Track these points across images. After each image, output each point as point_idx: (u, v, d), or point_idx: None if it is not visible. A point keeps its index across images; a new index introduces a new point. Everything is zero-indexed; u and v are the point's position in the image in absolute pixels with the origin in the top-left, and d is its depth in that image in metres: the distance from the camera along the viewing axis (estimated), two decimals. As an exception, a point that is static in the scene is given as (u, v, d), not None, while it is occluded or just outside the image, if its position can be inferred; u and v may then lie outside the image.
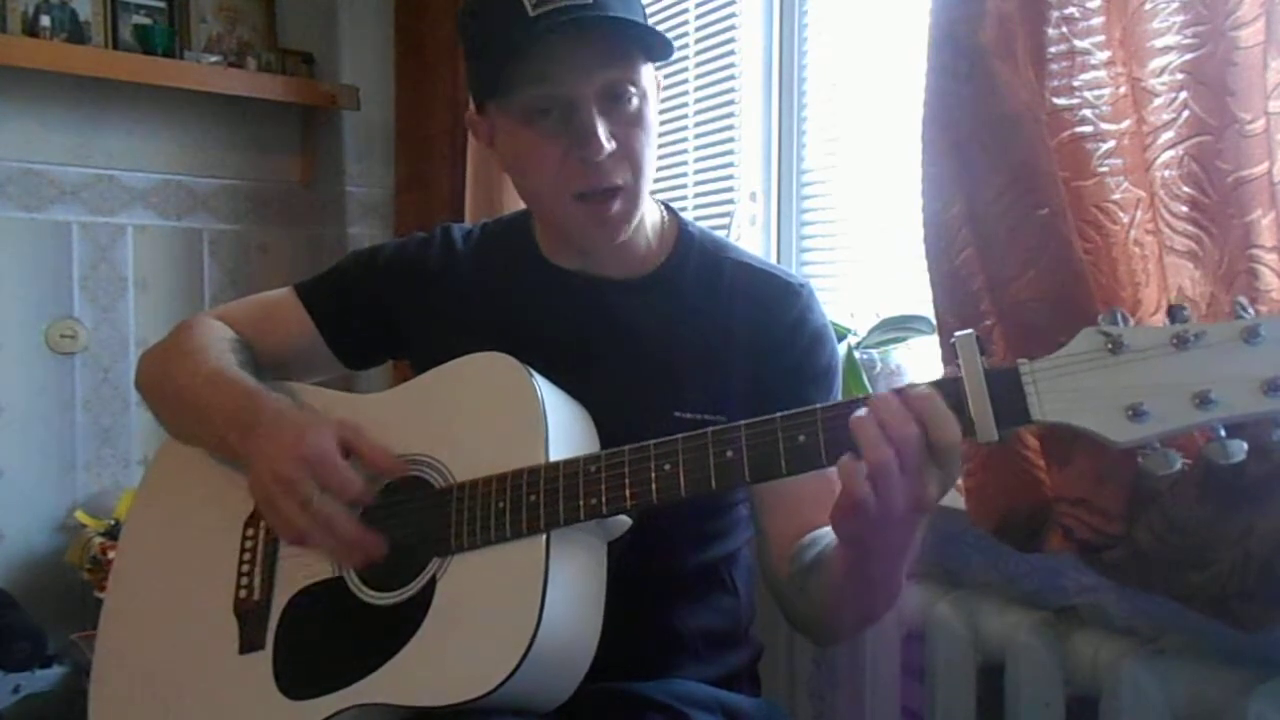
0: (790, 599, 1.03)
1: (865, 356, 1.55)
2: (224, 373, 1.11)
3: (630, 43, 1.01)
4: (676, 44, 1.90)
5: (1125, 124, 1.07)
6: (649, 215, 1.14)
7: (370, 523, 0.98)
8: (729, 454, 0.85)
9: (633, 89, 1.01)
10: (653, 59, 1.04)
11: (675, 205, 1.20)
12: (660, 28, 1.68)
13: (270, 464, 0.97)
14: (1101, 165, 1.08)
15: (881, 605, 0.96)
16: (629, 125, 1.02)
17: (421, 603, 0.93)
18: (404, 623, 0.92)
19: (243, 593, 1.04)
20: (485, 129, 1.10)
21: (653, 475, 0.88)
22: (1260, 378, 0.69)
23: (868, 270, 1.70)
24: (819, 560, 0.97)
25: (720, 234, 1.24)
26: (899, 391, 0.79)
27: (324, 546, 0.97)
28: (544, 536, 0.90)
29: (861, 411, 0.79)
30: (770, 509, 1.07)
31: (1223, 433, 0.71)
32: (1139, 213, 1.07)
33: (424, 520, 0.97)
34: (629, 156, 1.02)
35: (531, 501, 0.91)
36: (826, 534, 0.98)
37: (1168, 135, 1.02)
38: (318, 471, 0.95)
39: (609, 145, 0.99)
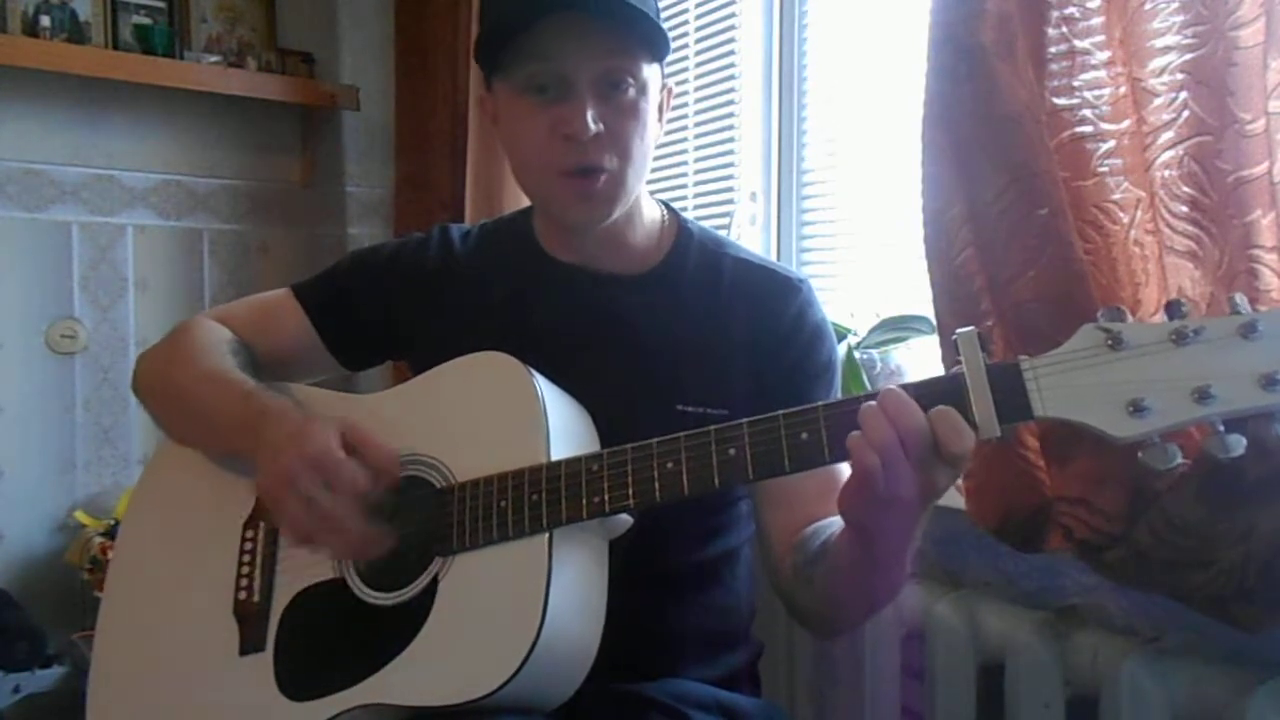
0: (793, 590, 1.04)
1: (865, 356, 1.55)
2: (225, 374, 1.11)
3: (633, 35, 1.02)
4: (676, 44, 1.91)
5: (1125, 124, 1.07)
6: (648, 213, 1.15)
7: (371, 524, 0.98)
8: (732, 452, 0.85)
9: (631, 80, 1.02)
10: (658, 59, 1.05)
11: (675, 205, 1.21)
12: (660, 28, 1.68)
13: (274, 464, 0.97)
14: (1101, 165, 1.08)
15: (885, 594, 0.96)
16: (622, 114, 1.03)
17: (424, 603, 0.93)
18: (406, 623, 0.92)
19: (242, 594, 1.04)
20: (491, 107, 1.12)
21: (655, 473, 0.88)
22: (1259, 372, 0.70)
23: (868, 270, 1.70)
24: (824, 549, 0.98)
25: (720, 233, 1.25)
26: (907, 388, 0.80)
27: (331, 544, 0.97)
28: (546, 536, 0.90)
29: (870, 404, 0.80)
30: (771, 504, 1.07)
31: (1222, 428, 0.71)
32: (1139, 213, 1.07)
33: (425, 520, 0.97)
34: (616, 144, 1.03)
35: (533, 501, 0.91)
36: (830, 524, 0.99)
37: (1168, 135, 1.02)
38: (322, 469, 0.95)
39: (594, 127, 1.01)
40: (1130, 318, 0.75)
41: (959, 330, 0.79)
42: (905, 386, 0.81)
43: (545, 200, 1.11)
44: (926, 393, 0.80)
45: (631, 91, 1.03)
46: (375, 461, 0.98)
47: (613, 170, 1.04)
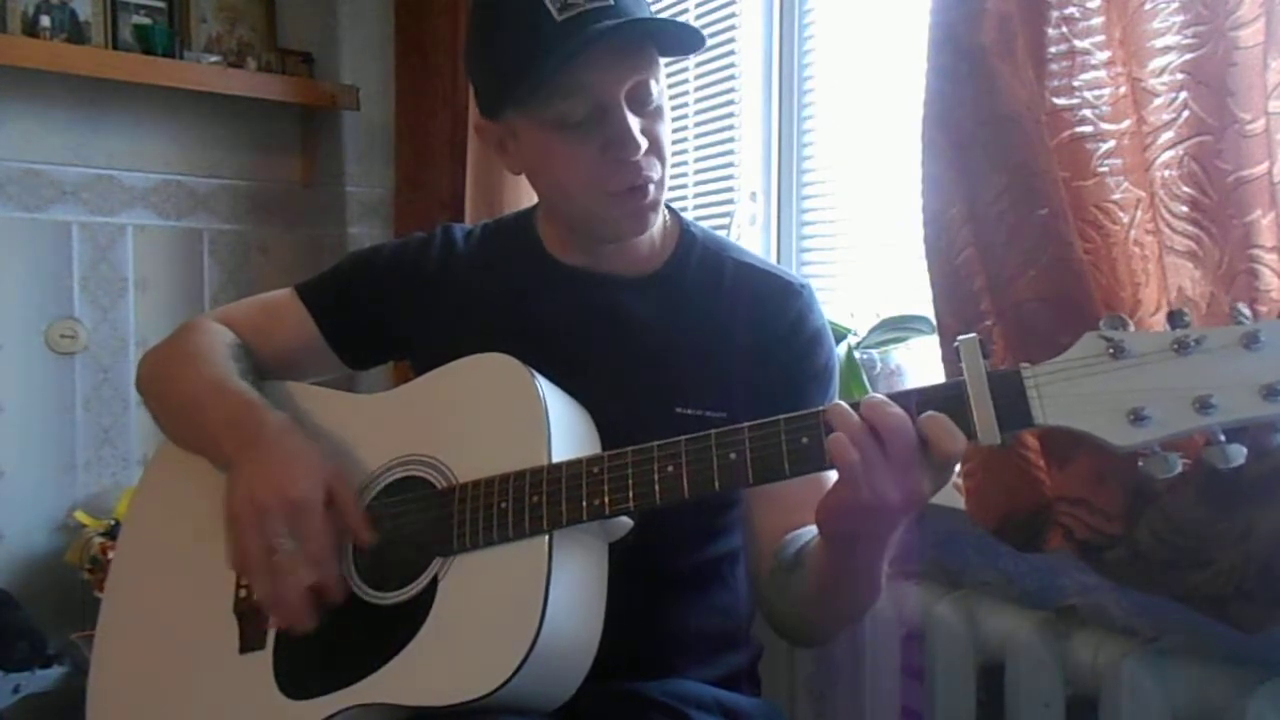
0: (770, 596, 1.04)
1: (865, 356, 1.55)
2: (225, 381, 1.10)
3: (650, 42, 1.02)
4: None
5: (1125, 124, 1.07)
6: (654, 215, 1.15)
7: (373, 523, 0.98)
8: (732, 455, 0.85)
9: (655, 85, 1.03)
10: (664, 54, 1.05)
11: (675, 205, 1.21)
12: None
13: (253, 489, 0.96)
14: (1101, 165, 1.08)
15: (861, 604, 0.97)
16: (653, 120, 1.04)
17: (423, 603, 0.93)
18: (406, 623, 0.92)
19: (243, 592, 1.04)
20: (496, 135, 1.10)
21: (656, 476, 0.88)
22: (1260, 382, 0.70)
23: (868, 270, 1.70)
24: (800, 556, 0.98)
25: (721, 234, 1.25)
26: (897, 397, 0.80)
27: (264, 595, 0.96)
28: (546, 537, 0.90)
29: (839, 402, 0.82)
30: (762, 506, 1.07)
31: (1222, 437, 0.71)
32: (1139, 213, 1.07)
33: (426, 520, 0.97)
34: (656, 151, 1.04)
35: (534, 502, 0.91)
36: (809, 531, 0.99)
37: (1168, 135, 1.03)
38: (297, 518, 0.95)
39: (644, 143, 1.01)
40: (1132, 326, 0.75)
41: (960, 337, 0.80)
42: (908, 393, 0.81)
43: (589, 220, 1.08)
44: (928, 400, 0.80)
45: (656, 94, 1.04)
46: (347, 525, 0.97)
47: (657, 179, 1.05)
